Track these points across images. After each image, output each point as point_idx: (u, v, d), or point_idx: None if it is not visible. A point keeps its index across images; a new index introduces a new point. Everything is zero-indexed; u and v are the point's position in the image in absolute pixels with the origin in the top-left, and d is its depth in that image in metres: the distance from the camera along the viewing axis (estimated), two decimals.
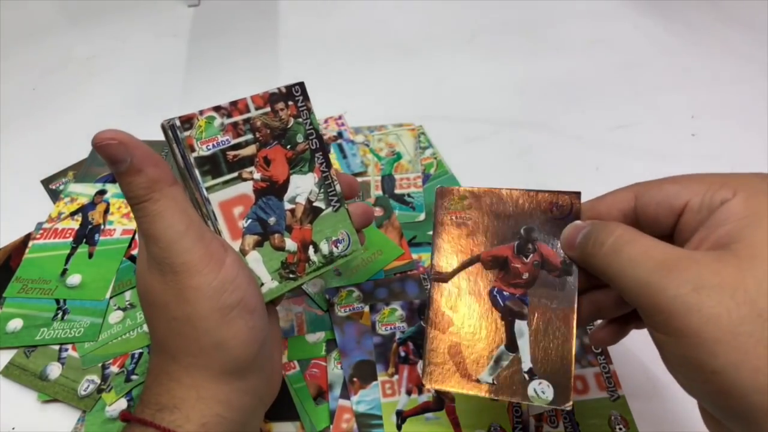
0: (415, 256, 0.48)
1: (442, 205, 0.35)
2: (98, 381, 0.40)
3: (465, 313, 0.33)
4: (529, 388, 0.31)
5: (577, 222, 0.31)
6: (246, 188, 0.32)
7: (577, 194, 0.32)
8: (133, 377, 0.40)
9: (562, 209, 0.32)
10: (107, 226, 0.50)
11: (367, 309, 0.44)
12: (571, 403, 0.30)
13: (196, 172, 0.31)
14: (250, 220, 0.32)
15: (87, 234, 0.50)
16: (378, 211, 0.51)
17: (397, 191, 0.54)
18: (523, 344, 0.31)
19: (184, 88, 0.69)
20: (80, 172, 0.57)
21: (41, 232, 0.50)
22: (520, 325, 0.32)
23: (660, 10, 0.79)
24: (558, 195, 0.32)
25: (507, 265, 0.33)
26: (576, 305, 0.31)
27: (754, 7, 0.77)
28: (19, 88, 0.69)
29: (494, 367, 0.32)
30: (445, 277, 0.33)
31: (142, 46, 0.76)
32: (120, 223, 0.51)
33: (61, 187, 0.55)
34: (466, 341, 0.32)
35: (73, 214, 0.51)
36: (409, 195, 0.53)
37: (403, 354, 0.41)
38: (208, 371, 0.29)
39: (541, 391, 0.31)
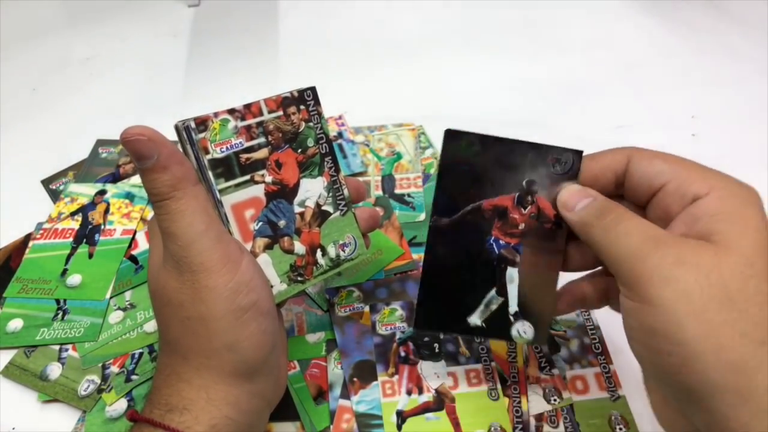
0: (415, 256, 0.48)
1: (450, 148, 0.34)
2: (98, 381, 0.40)
3: (461, 258, 0.33)
4: (513, 329, 0.33)
5: (578, 188, 0.31)
6: (258, 191, 0.32)
7: (579, 153, 0.32)
8: (134, 377, 0.40)
9: (564, 165, 0.33)
10: (107, 226, 0.50)
11: (367, 309, 0.44)
12: (546, 342, 0.32)
13: (210, 174, 0.31)
14: (260, 223, 0.32)
15: (87, 234, 0.50)
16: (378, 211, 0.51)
17: (397, 191, 0.53)
18: (512, 289, 0.33)
19: (184, 89, 0.69)
20: (80, 172, 0.57)
21: (41, 232, 0.50)
22: (512, 272, 0.33)
23: (660, 10, 0.79)
24: (563, 151, 0.33)
25: (506, 215, 0.33)
26: (563, 254, 0.33)
27: (754, 7, 0.77)
28: (19, 88, 0.69)
29: (484, 310, 0.33)
30: (445, 222, 0.33)
31: (142, 46, 0.76)
32: (120, 223, 0.51)
33: (61, 187, 0.55)
34: (461, 285, 0.33)
35: (73, 214, 0.51)
36: (409, 195, 0.53)
37: (403, 354, 0.41)
38: (219, 373, 0.29)
39: (523, 331, 0.33)
